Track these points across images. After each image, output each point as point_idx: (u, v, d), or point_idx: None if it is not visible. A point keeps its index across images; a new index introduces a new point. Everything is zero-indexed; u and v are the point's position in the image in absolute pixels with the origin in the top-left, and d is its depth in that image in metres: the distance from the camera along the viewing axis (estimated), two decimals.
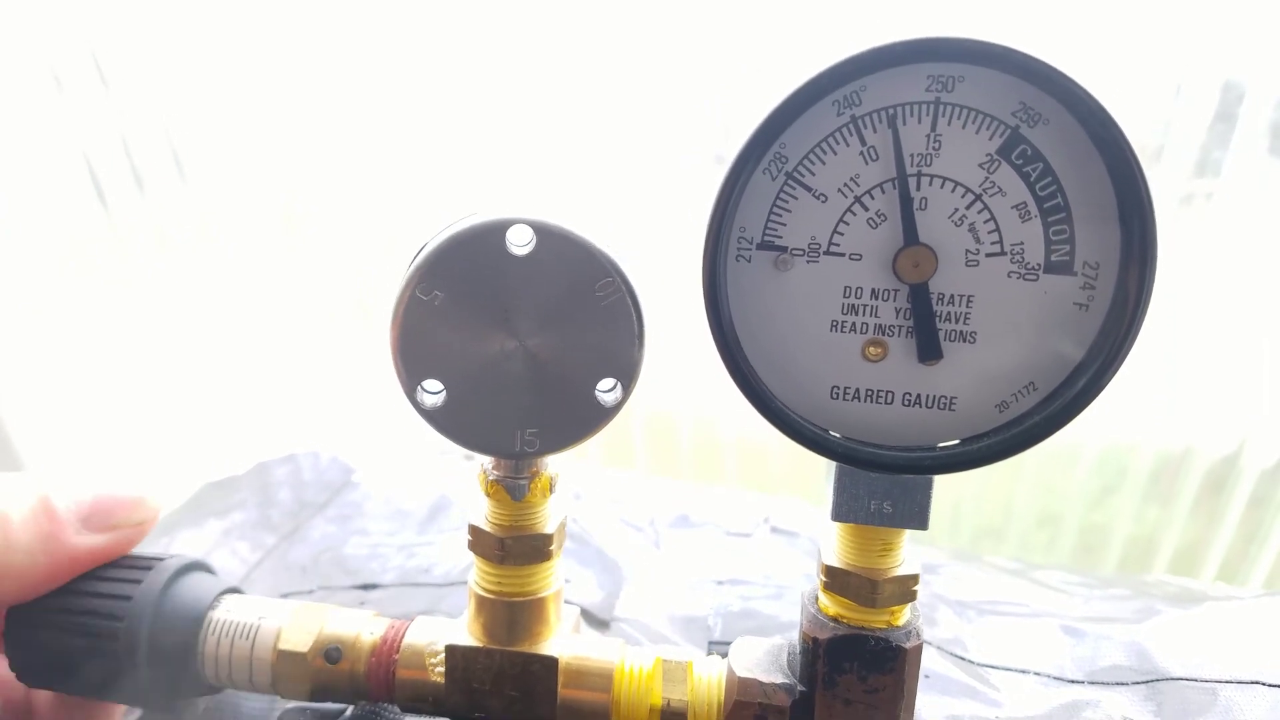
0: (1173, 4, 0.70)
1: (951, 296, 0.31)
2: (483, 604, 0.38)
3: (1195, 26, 0.70)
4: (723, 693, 0.37)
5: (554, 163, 0.92)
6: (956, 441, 0.32)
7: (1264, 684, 0.42)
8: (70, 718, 0.44)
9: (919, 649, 0.35)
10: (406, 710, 0.40)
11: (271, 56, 0.95)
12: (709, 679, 0.38)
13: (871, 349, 0.32)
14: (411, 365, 0.33)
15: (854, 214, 0.31)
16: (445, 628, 0.40)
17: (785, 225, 0.31)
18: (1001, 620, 0.50)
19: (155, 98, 0.98)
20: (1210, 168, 0.73)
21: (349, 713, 0.41)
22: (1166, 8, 0.70)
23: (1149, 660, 0.44)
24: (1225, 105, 0.71)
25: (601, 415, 0.34)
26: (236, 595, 0.42)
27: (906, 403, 0.32)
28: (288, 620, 0.40)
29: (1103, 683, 0.44)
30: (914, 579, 0.34)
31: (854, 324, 0.32)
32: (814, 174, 0.30)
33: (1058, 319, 0.31)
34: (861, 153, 0.30)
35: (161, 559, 0.42)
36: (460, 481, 0.64)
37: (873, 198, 0.30)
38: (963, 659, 0.46)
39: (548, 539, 0.37)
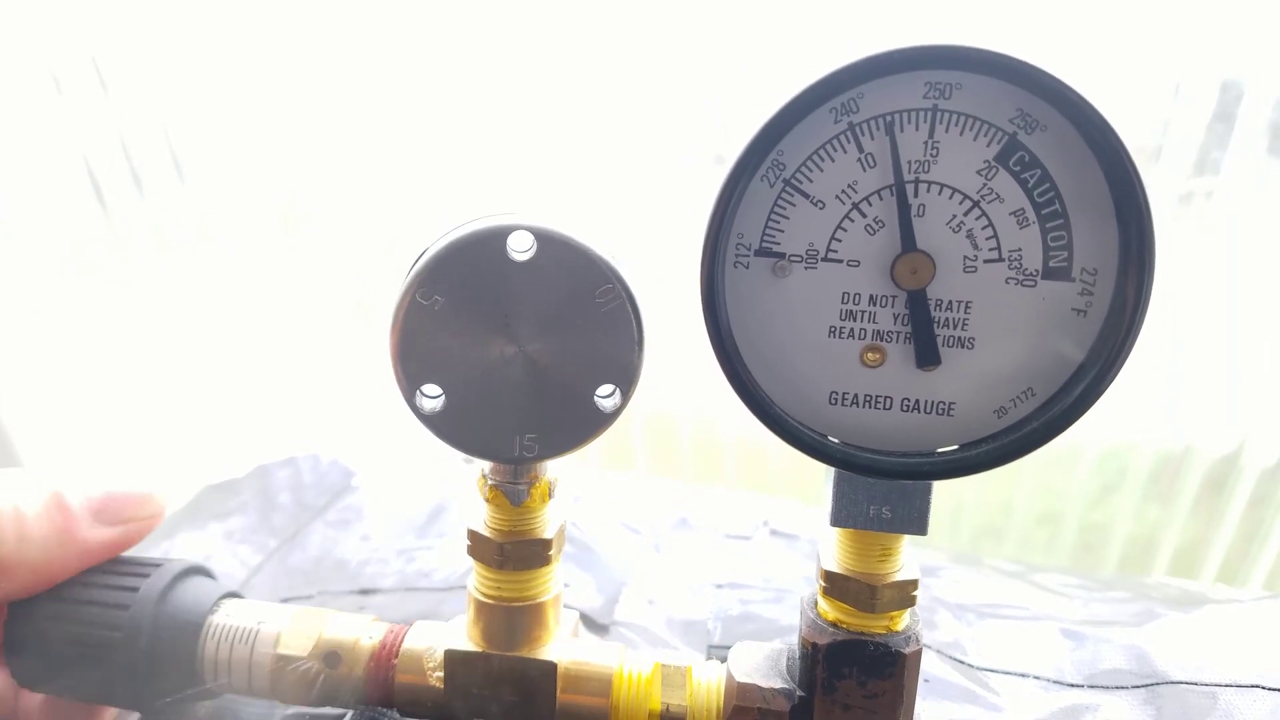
0: (1171, 4, 0.70)
1: (949, 302, 0.31)
2: (481, 609, 0.38)
3: (1194, 26, 0.70)
4: (722, 698, 0.37)
5: (554, 163, 0.92)
6: (955, 447, 0.32)
7: (1264, 687, 0.42)
8: None
9: (918, 654, 0.35)
10: (405, 715, 0.40)
11: (271, 57, 0.95)
12: (708, 684, 0.38)
13: (870, 355, 0.32)
14: (411, 370, 0.33)
15: (852, 220, 0.31)
16: (444, 633, 0.40)
17: (783, 232, 0.31)
18: (1001, 623, 0.50)
19: (154, 99, 0.98)
20: (1209, 168, 0.73)
21: (348, 718, 0.41)
22: (1165, 8, 0.70)
23: (1149, 664, 0.44)
24: (1224, 105, 0.71)
25: (601, 421, 0.34)
26: (236, 599, 0.42)
27: (905, 408, 0.32)
28: (287, 625, 0.40)
29: (1103, 686, 0.44)
30: (913, 584, 0.34)
31: (852, 330, 0.32)
32: (812, 181, 0.30)
33: (1056, 324, 0.31)
34: (859, 159, 0.30)
35: (161, 563, 0.42)
36: (460, 485, 0.64)
37: (870, 204, 0.30)
38: (962, 663, 0.46)
39: (547, 544, 0.37)
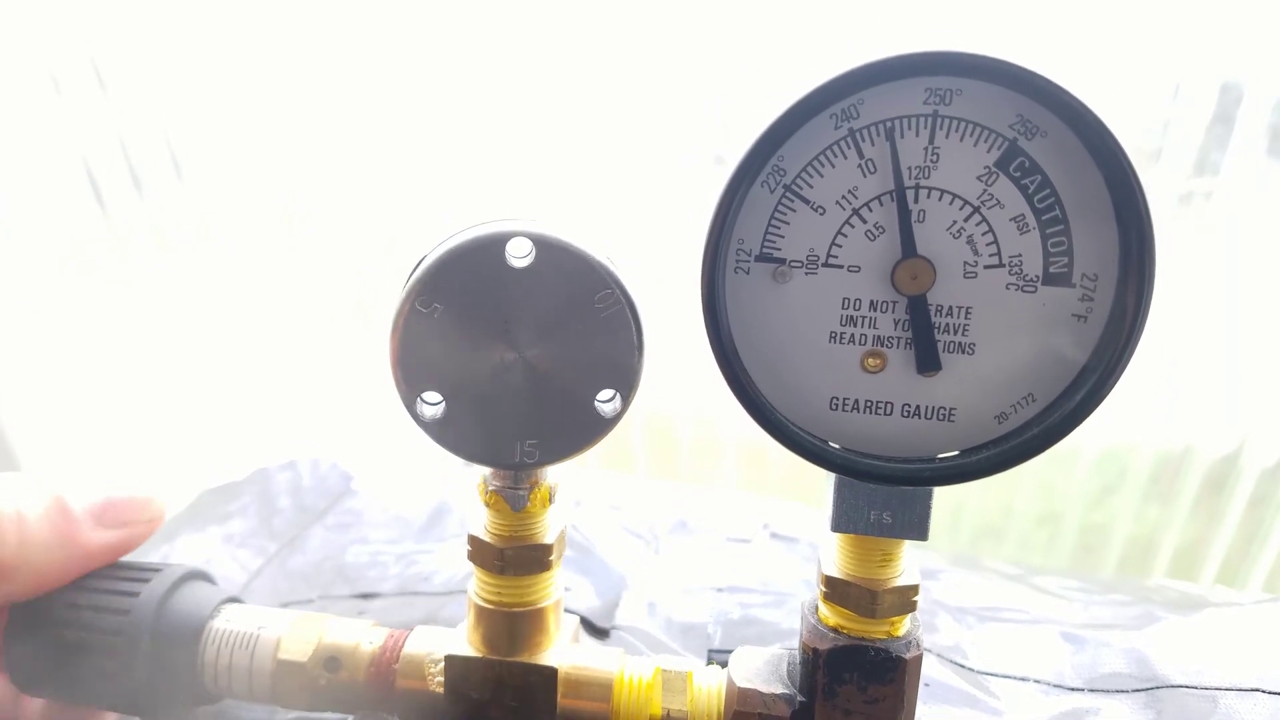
0: (1171, 5, 0.70)
1: (950, 308, 0.31)
2: (482, 614, 0.38)
3: (1193, 27, 0.70)
4: (722, 703, 0.37)
5: (554, 163, 0.92)
6: (956, 453, 0.32)
7: (1264, 691, 0.42)
8: None
9: (919, 659, 0.35)
10: None
11: (270, 57, 0.95)
12: (709, 689, 0.38)
13: (870, 360, 0.32)
14: (411, 377, 0.33)
15: (852, 226, 0.31)
16: (444, 638, 0.40)
17: (784, 237, 0.31)
18: (1001, 627, 0.50)
19: (153, 99, 0.98)
20: (1209, 169, 0.73)
21: None
22: (1165, 9, 0.70)
23: (1149, 667, 0.44)
24: (1224, 107, 0.71)
25: (601, 426, 0.34)
26: (236, 604, 0.42)
27: (905, 414, 0.32)
28: (287, 630, 0.40)
29: (1103, 690, 0.44)
30: (914, 589, 0.34)
31: (853, 335, 0.32)
32: (812, 186, 0.30)
33: (1056, 330, 0.31)
34: (859, 165, 0.30)
35: (161, 568, 0.42)
36: (460, 488, 0.64)
37: (871, 210, 0.30)
38: (963, 666, 0.46)
39: (547, 549, 0.37)
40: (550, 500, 0.37)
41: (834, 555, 0.35)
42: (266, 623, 0.40)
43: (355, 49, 0.91)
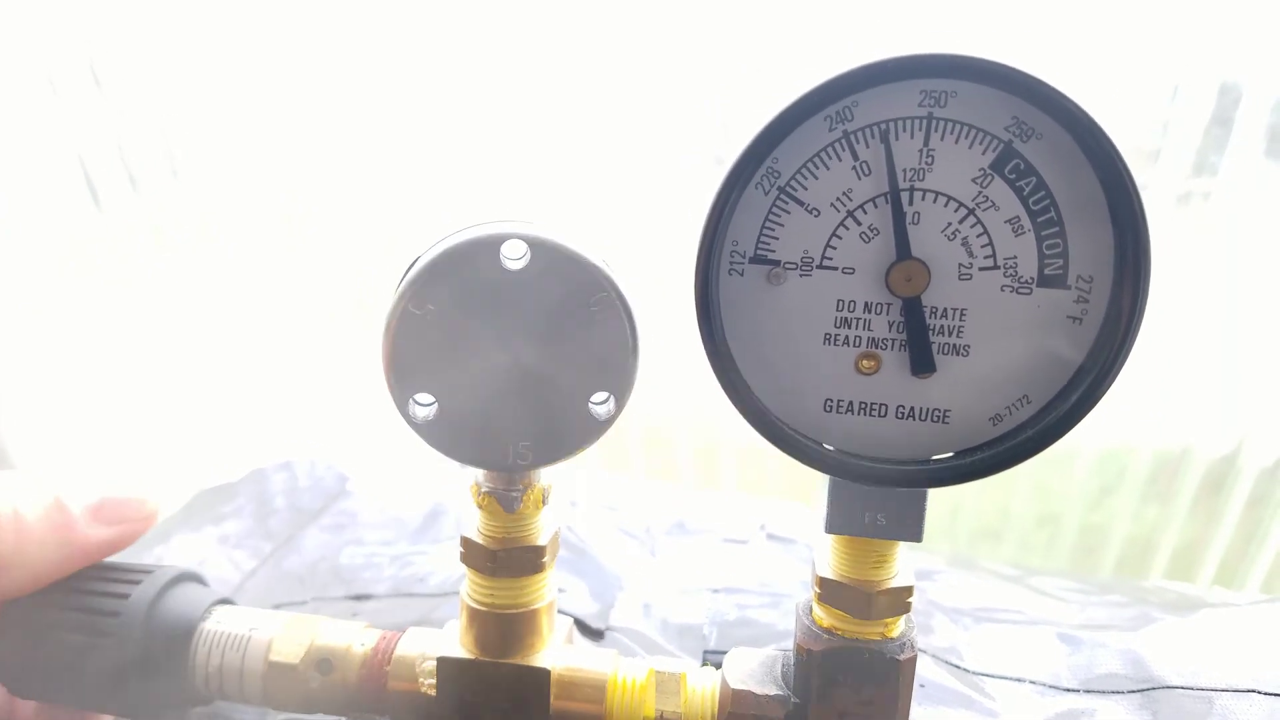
0: (1170, 6, 0.69)
1: (944, 310, 0.31)
2: (474, 616, 0.38)
3: (1192, 28, 0.70)
4: (716, 704, 0.37)
5: (553, 162, 0.92)
6: (951, 454, 0.32)
7: (1260, 692, 0.42)
8: None
9: (913, 661, 0.34)
10: None
11: (269, 57, 0.95)
12: (702, 691, 0.37)
13: (865, 362, 0.32)
14: (403, 378, 0.33)
15: (847, 228, 0.30)
16: (437, 639, 0.39)
17: (778, 239, 0.31)
18: (997, 628, 0.50)
19: (150, 99, 0.97)
20: (1207, 170, 0.73)
21: None
22: (1163, 10, 0.70)
23: (1145, 668, 0.44)
24: (1222, 108, 0.71)
25: (595, 428, 0.34)
26: (228, 606, 0.42)
27: (900, 416, 0.32)
28: (279, 632, 0.40)
29: (1098, 691, 0.44)
30: (908, 591, 0.34)
31: (847, 337, 0.31)
32: (806, 188, 0.30)
33: (1051, 332, 0.31)
34: (854, 167, 0.30)
35: (152, 570, 0.42)
36: (456, 490, 0.64)
37: (865, 212, 0.30)
38: (958, 667, 0.46)
39: (540, 551, 0.37)
40: (544, 502, 0.37)
41: (828, 556, 0.35)
42: (258, 624, 0.40)
43: (354, 49, 0.91)
